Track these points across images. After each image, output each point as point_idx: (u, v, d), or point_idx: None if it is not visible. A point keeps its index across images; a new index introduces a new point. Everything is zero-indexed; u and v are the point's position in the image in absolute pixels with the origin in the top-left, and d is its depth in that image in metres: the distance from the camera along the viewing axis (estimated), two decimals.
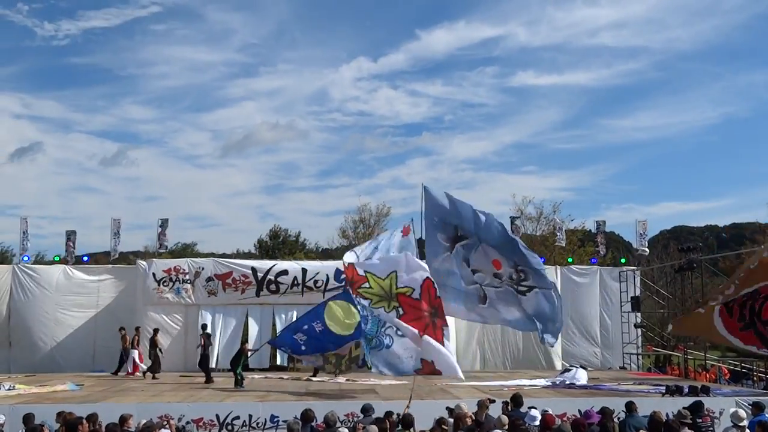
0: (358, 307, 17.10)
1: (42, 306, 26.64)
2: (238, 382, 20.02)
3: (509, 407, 12.55)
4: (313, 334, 18.15)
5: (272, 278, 26.04)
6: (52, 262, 29.86)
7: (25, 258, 29.06)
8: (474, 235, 20.48)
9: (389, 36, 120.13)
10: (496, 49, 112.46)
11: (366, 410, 12.04)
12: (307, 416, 11.37)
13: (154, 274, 25.97)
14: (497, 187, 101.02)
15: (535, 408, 11.96)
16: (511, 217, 34.30)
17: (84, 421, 10.68)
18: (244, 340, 23.63)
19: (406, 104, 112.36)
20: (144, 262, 26.77)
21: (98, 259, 34.92)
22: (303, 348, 18.34)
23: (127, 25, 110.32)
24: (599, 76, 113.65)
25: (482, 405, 11.97)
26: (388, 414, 11.62)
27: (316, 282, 25.85)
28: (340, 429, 10.44)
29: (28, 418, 10.90)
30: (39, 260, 40.28)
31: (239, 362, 20.45)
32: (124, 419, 11.00)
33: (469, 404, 12.20)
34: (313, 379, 22.31)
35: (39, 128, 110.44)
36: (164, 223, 29.55)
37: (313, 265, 27.27)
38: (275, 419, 15.22)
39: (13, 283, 26.85)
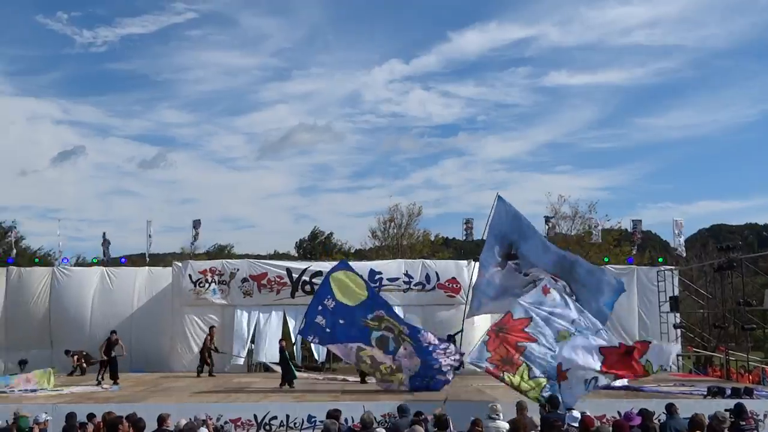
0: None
1: (80, 307, 27.08)
2: (290, 381, 20.02)
3: (546, 409, 12.43)
4: (329, 314, 18.44)
5: (307, 279, 26.12)
6: (90, 264, 30.27)
7: (65, 260, 29.52)
8: (525, 257, 21.05)
9: (421, 38, 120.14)
10: (528, 49, 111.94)
11: (403, 411, 11.98)
12: (332, 415, 11.41)
13: (190, 276, 26.22)
14: (531, 187, 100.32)
15: (574, 409, 11.84)
16: (545, 216, 34.05)
17: (124, 421, 10.81)
18: (283, 337, 23.66)
19: (439, 105, 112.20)
20: (180, 264, 27.01)
21: (135, 260, 35.24)
22: (328, 331, 18.47)
23: (163, 31, 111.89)
24: (633, 75, 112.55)
25: (521, 407, 11.88)
26: (418, 413, 11.59)
27: None
28: (377, 429, 10.38)
29: (70, 417, 11.05)
30: (79, 262, 40.92)
31: (286, 360, 20.49)
32: (162, 419, 11.10)
33: (505, 406, 12.12)
34: (349, 379, 22.29)
35: (78, 133, 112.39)
36: (196, 224, 29.78)
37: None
38: (312, 419, 15.21)
39: (53, 285, 27.37)
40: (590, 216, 38.93)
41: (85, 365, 24.53)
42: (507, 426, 10.90)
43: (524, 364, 14.77)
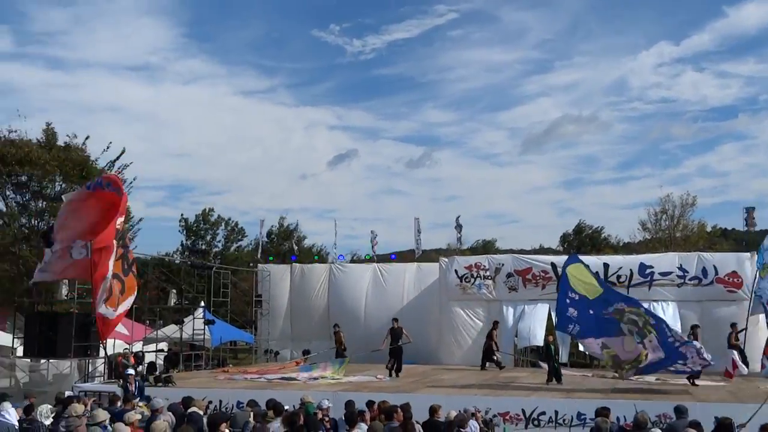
0: None
1: (356, 301, 28.84)
2: (558, 376, 19.82)
3: None
4: (577, 305, 17.95)
5: None
6: (363, 261, 32.09)
7: (341, 257, 31.61)
8: None
9: (693, 16, 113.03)
10: None
11: (680, 412, 11.34)
12: (602, 413, 11.08)
13: (456, 271, 26.82)
14: None
15: None
16: None
17: (398, 409, 11.32)
18: (549, 332, 23.43)
19: (714, 87, 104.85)
20: (446, 259, 27.74)
21: (404, 256, 36.75)
22: (579, 326, 17.87)
23: (426, 34, 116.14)
24: None
25: None
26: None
27: (619, 277, 24.99)
28: (652, 430, 9.91)
29: (349, 404, 11.76)
30: (353, 259, 43.57)
31: (551, 354, 20.31)
32: (433, 410, 11.50)
33: None
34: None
35: (351, 137, 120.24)
36: (459, 221, 30.37)
37: (615, 260, 26.40)
38: (582, 417, 14.91)
39: (330, 281, 29.46)
40: None
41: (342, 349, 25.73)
42: None
43: None
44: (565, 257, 27.71)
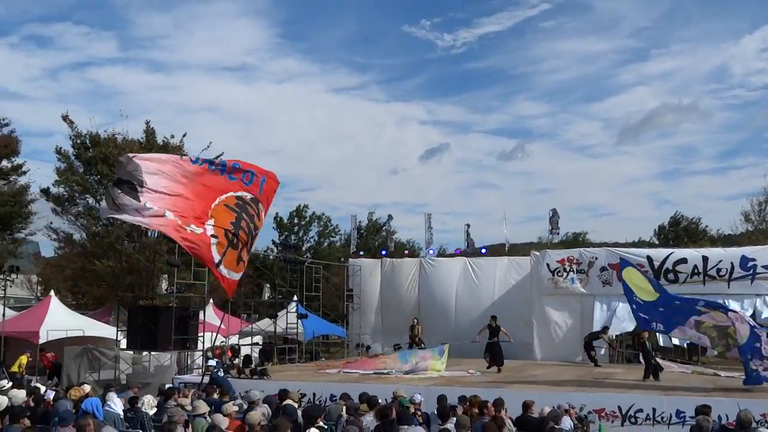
0: None
1: (446, 296, 28.76)
2: (656, 373, 19.27)
3: None
4: (642, 309, 17.27)
5: (670, 267, 24.81)
6: (453, 255, 32.00)
7: (431, 251, 31.60)
8: None
9: None
10: None
11: None
12: (702, 411, 10.77)
13: (548, 265, 26.44)
14: None
15: None
16: None
17: (489, 405, 11.28)
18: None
19: None
20: (538, 253, 27.36)
21: (495, 250, 36.47)
22: (661, 310, 17.14)
23: (517, 26, 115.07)
24: None
25: None
26: None
27: (719, 270, 24.10)
28: (759, 429, 9.53)
29: (441, 399, 11.76)
30: (442, 253, 43.52)
31: (647, 351, 19.78)
32: (527, 405, 11.39)
33: None
34: (721, 374, 20.78)
35: (442, 131, 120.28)
36: (554, 214, 29.91)
37: (714, 253, 25.46)
38: (681, 415, 14.44)
39: (421, 275, 29.49)
40: None
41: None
42: None
43: None
44: (662, 250, 27.00)
